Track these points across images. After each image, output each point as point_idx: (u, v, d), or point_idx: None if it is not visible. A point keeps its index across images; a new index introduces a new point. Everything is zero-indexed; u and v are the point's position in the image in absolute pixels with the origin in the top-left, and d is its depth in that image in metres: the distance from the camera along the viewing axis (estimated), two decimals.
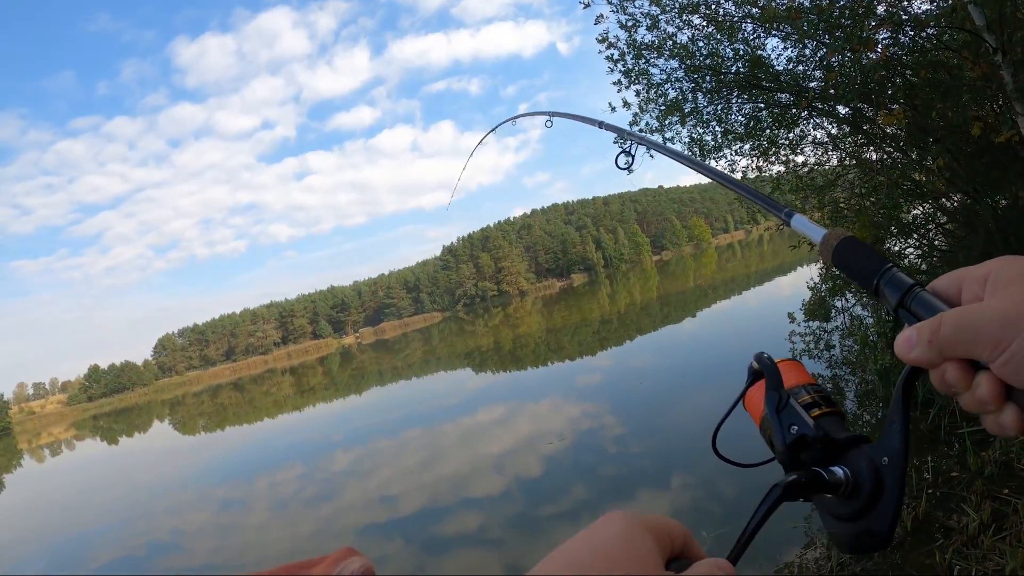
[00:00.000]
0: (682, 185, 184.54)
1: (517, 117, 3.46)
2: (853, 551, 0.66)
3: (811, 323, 12.34)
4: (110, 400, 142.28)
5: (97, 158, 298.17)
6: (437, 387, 27.25)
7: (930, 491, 5.12)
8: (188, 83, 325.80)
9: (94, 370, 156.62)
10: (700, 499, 7.32)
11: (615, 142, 2.14)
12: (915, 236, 9.03)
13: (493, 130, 3.89)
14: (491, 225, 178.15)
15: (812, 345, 11.38)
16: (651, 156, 9.05)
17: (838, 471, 0.67)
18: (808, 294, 12.59)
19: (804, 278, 13.85)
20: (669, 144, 9.00)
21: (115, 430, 56.02)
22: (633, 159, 2.14)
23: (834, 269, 0.83)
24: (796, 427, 0.71)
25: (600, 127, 2.32)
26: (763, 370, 0.77)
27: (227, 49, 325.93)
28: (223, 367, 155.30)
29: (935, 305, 0.62)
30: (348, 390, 37.01)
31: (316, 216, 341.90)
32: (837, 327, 11.53)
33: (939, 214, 8.78)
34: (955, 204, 8.48)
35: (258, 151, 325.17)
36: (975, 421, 5.46)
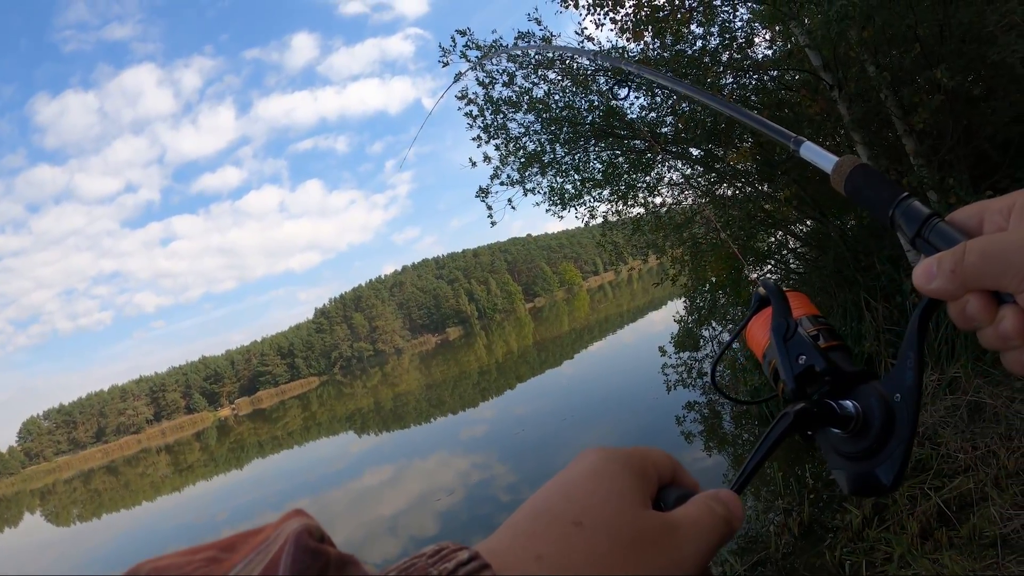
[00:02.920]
0: (549, 232, 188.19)
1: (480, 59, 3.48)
2: (857, 493, 0.64)
3: (682, 354, 12.74)
4: None
5: None
6: (320, 453, 26.51)
7: (811, 496, 5.40)
8: (48, 143, 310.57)
9: None
10: None
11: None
12: (771, 262, 9.58)
13: (426, 121, 3.95)
14: (363, 284, 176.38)
15: (685, 375, 11.77)
16: (513, 208, 9.29)
17: (849, 405, 0.63)
18: (676, 328, 13.01)
19: (672, 313, 14.34)
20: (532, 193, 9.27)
21: None
22: (629, 91, 2.03)
23: (847, 196, 0.78)
24: (804, 357, 0.68)
25: (595, 58, 2.19)
26: (770, 297, 0.74)
27: (89, 107, 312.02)
28: (94, 449, 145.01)
29: (956, 236, 0.59)
30: (229, 464, 35.30)
31: (183, 283, 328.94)
32: (707, 355, 11.94)
33: (791, 239, 9.34)
34: (806, 229, 9.08)
35: (121, 216, 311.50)
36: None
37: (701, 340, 12.03)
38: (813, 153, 0.88)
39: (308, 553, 0.33)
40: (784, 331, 0.70)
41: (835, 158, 0.79)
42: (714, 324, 11.32)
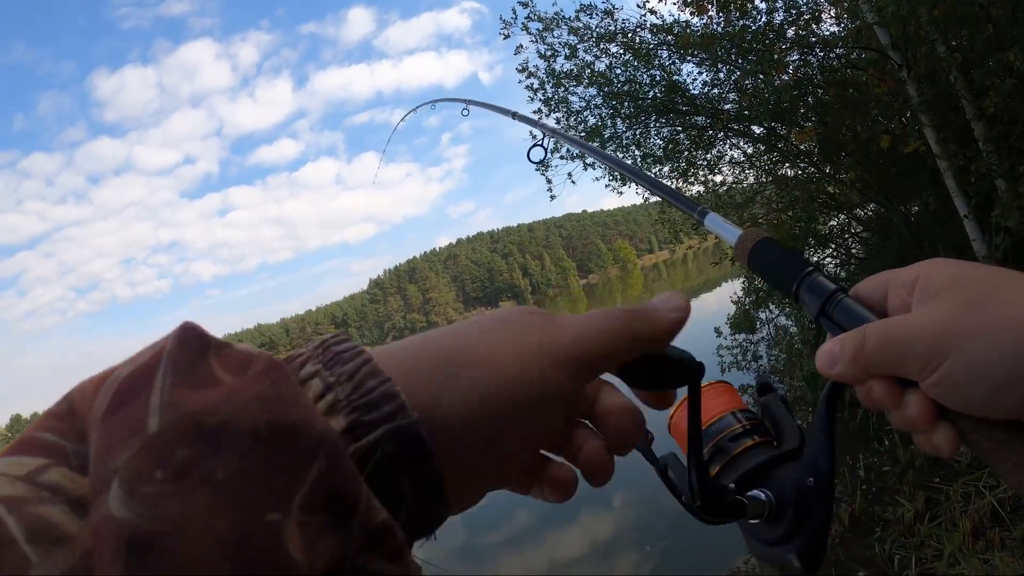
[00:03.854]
0: (605, 208, 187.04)
1: (435, 101, 3.48)
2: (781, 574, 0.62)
3: (737, 336, 12.60)
4: None
5: (14, 196, 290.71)
6: None
7: (864, 487, 5.32)
8: (107, 117, 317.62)
9: (16, 420, 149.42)
10: (643, 515, 7.42)
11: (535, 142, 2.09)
12: (832, 246, 9.39)
13: (414, 110, 3.98)
14: (417, 256, 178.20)
15: (740, 357, 11.62)
16: (573, 183, 9.27)
17: (759, 495, 0.62)
18: (732, 308, 12.84)
19: (728, 293, 14.14)
20: (592, 159, 9.20)
21: None
22: (547, 153, 2.08)
23: (751, 273, 0.78)
24: (718, 468, 0.67)
25: (514, 118, 2.26)
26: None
27: (148, 82, 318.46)
28: None
29: (859, 314, 0.57)
30: None
31: (240, 253, 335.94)
32: (763, 338, 11.74)
33: (854, 223, 9.15)
34: (869, 213, 8.87)
35: (180, 187, 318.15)
36: None
37: (757, 322, 11.87)
38: (717, 225, 0.88)
39: (193, 330, 0.35)
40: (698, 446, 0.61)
41: (739, 231, 0.77)
42: (771, 307, 11.16)
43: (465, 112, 2.89)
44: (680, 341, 0.53)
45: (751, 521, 0.63)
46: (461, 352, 0.41)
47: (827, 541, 0.60)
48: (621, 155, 9.13)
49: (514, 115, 2.27)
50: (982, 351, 0.47)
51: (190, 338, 0.34)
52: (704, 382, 0.59)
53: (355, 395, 0.35)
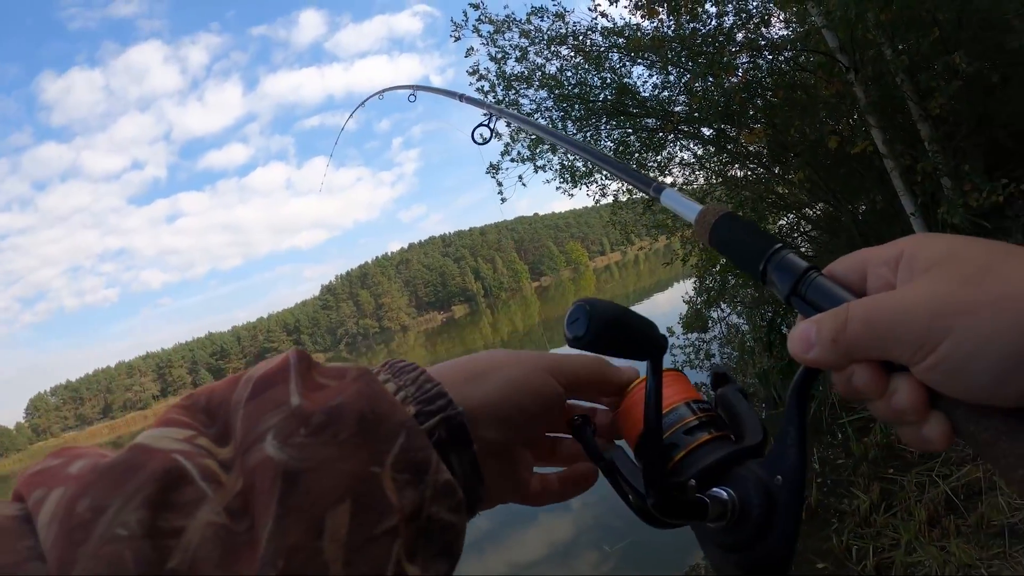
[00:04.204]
0: (557, 211, 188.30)
1: (384, 91, 3.47)
2: None
3: (690, 335, 12.73)
4: None
5: None
6: None
7: (819, 480, 5.40)
8: (54, 121, 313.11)
9: None
10: (602, 515, 7.44)
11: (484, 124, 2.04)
12: None
13: (362, 104, 3.98)
14: (369, 261, 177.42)
15: (692, 356, 11.77)
16: (524, 185, 9.26)
17: (721, 494, 0.54)
18: (685, 308, 12.97)
19: (680, 293, 14.30)
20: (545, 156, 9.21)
21: None
22: (492, 133, 2.04)
23: (713, 249, 0.70)
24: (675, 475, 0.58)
25: (461, 100, 2.25)
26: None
27: (95, 85, 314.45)
28: (100, 426, 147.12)
29: (836, 293, 0.51)
30: None
31: (189, 260, 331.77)
32: (715, 336, 11.89)
33: (803, 223, 9.31)
34: (818, 212, 9.03)
35: (127, 193, 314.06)
36: (854, 411, 5.81)
37: (710, 321, 12.01)
38: (674, 201, 0.81)
39: (305, 352, 0.50)
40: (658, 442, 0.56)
41: (699, 206, 0.71)
42: (723, 306, 11.30)
43: (412, 98, 2.93)
44: None
45: (709, 524, 0.55)
46: (482, 367, 0.57)
47: (796, 546, 0.52)
48: (573, 157, 9.16)
49: (461, 97, 2.27)
50: (986, 329, 0.41)
51: (304, 356, 0.48)
52: None
53: (419, 393, 0.49)
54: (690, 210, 0.73)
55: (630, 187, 9.66)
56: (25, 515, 0.38)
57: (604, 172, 9.45)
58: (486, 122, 2.02)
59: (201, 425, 0.44)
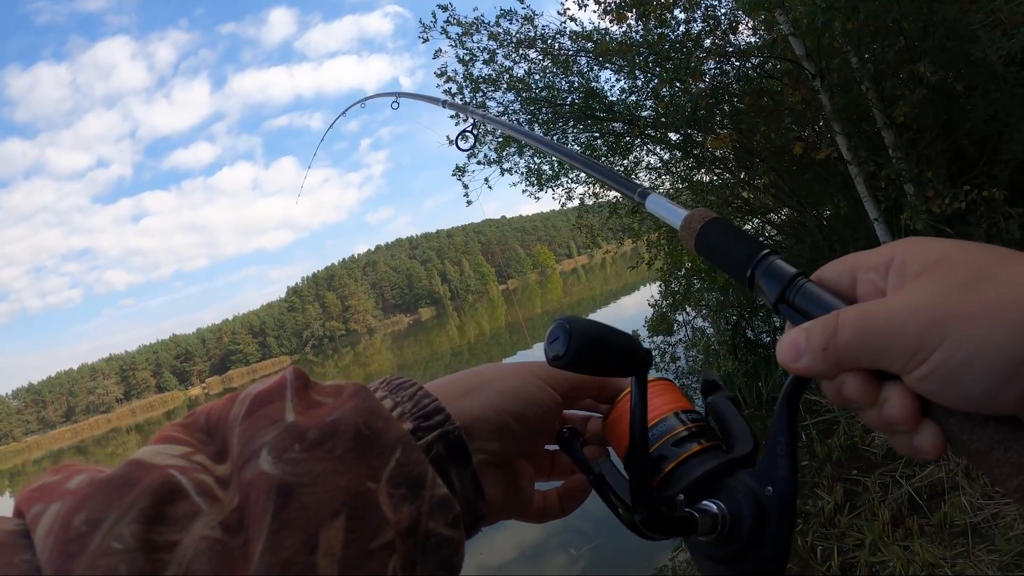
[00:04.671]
0: (524, 214, 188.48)
1: (366, 99, 3.45)
2: None
3: (655, 338, 12.79)
4: None
5: None
6: None
7: None
8: (18, 117, 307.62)
9: None
10: (570, 518, 7.44)
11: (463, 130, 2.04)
12: None
13: (343, 113, 4.00)
14: (335, 263, 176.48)
15: (658, 359, 11.83)
16: (490, 188, 9.22)
17: (711, 507, 0.54)
18: (650, 311, 13.02)
19: (646, 297, 14.37)
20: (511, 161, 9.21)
21: None
22: (476, 140, 2.01)
23: (699, 256, 0.69)
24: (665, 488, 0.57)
25: (443, 106, 2.33)
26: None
27: (61, 80, 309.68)
28: (63, 429, 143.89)
29: (826, 300, 0.50)
30: None
31: (154, 261, 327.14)
32: (680, 339, 11.99)
33: (768, 228, 9.38)
34: (782, 217, 9.12)
35: (92, 191, 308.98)
36: (818, 413, 5.89)
37: (675, 324, 12.09)
38: (660, 207, 0.79)
39: (302, 371, 0.52)
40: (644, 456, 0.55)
41: (684, 211, 0.69)
42: (688, 309, 11.37)
43: (395, 105, 2.91)
44: None
45: (700, 537, 0.54)
46: (479, 380, 0.59)
47: (788, 557, 0.52)
48: (539, 160, 9.17)
49: (444, 103, 2.34)
50: (980, 337, 0.40)
51: (301, 374, 0.50)
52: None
53: (416, 409, 0.51)
54: (676, 216, 0.71)
55: (595, 191, 9.77)
56: (24, 529, 0.39)
57: (575, 174, 9.50)
58: (470, 128, 1.98)
59: (199, 443, 0.46)
